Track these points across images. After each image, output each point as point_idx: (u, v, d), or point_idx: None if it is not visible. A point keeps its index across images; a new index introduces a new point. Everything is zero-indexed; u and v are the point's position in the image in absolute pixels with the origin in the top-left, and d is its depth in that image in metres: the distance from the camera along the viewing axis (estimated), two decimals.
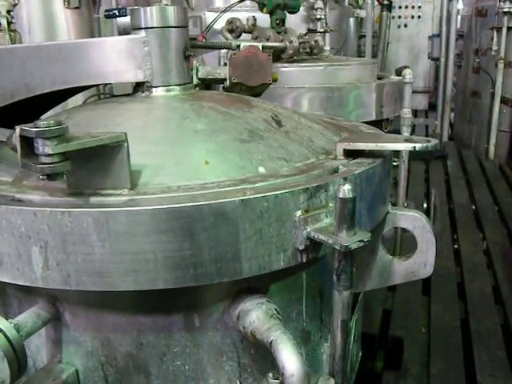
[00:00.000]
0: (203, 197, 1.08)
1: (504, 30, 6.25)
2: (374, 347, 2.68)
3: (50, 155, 0.98)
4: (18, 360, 1.06)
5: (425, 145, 1.33)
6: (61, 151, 0.99)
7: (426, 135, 8.13)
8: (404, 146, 1.35)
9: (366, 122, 2.01)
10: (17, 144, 1.00)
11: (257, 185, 1.16)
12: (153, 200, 1.08)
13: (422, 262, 1.50)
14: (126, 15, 1.79)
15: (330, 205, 1.17)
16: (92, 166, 1.11)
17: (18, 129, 1.00)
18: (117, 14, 1.86)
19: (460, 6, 7.79)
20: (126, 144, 1.08)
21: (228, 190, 1.13)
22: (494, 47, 6.35)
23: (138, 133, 1.13)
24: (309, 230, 1.13)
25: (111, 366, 1.24)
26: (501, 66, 6.35)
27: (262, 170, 1.25)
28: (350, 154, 1.38)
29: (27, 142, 1.00)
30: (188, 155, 1.24)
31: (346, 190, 1.06)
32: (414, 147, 1.33)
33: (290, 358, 1.06)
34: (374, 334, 2.77)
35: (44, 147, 0.98)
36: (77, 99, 1.85)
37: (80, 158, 1.05)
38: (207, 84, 1.85)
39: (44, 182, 1.11)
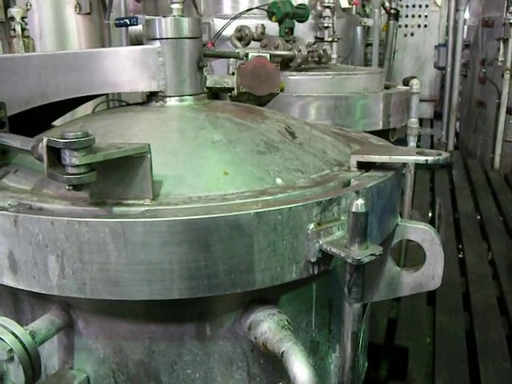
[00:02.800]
0: (218, 209, 1.10)
1: (510, 41, 6.27)
2: (379, 357, 2.68)
3: (76, 166, 1.00)
4: (33, 366, 1.07)
5: (437, 158, 1.35)
6: (88, 162, 1.01)
7: (432, 144, 8.14)
8: (416, 159, 1.36)
9: (373, 132, 2.02)
10: (43, 154, 1.02)
11: (277, 196, 1.18)
12: (169, 211, 1.09)
13: (431, 274, 1.51)
14: (137, 24, 1.81)
15: (342, 218, 1.18)
16: (115, 176, 1.13)
17: (45, 139, 1.01)
18: (128, 22, 1.88)
19: (467, 15, 7.80)
20: (149, 155, 1.09)
21: (248, 202, 1.14)
22: (501, 58, 6.37)
23: (156, 143, 1.15)
24: (321, 242, 1.14)
25: (122, 374, 1.26)
26: (507, 76, 6.37)
27: (279, 181, 1.26)
28: (363, 165, 1.40)
29: (53, 153, 1.02)
30: (207, 166, 1.26)
31: (358, 204, 1.07)
32: (427, 160, 1.34)
33: (301, 369, 1.08)
34: (379, 343, 2.77)
35: (71, 158, 0.99)
36: (85, 105, 1.87)
37: (103, 168, 1.07)
38: (214, 92, 1.86)
39: (64, 191, 1.13)
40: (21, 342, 1.05)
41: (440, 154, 1.37)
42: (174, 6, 1.66)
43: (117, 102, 4.16)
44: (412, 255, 3.35)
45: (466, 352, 2.72)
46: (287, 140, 1.42)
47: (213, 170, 1.25)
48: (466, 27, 7.85)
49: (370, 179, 1.31)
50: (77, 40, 4.12)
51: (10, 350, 1.03)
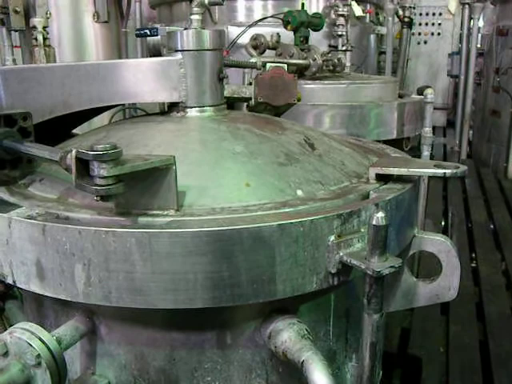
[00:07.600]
0: (241, 220, 1.12)
1: None
2: (392, 366, 2.68)
3: (105, 177, 1.03)
4: (59, 372, 1.10)
5: (454, 171, 1.36)
6: (116, 174, 1.03)
7: (444, 153, 8.12)
8: (434, 172, 1.38)
9: (387, 141, 2.04)
10: (72, 165, 1.04)
11: (298, 208, 1.20)
12: (194, 222, 1.12)
13: (447, 285, 1.53)
14: (157, 35, 1.84)
15: (362, 230, 1.20)
16: (140, 187, 1.16)
17: (73, 151, 1.04)
18: (148, 33, 1.91)
19: (481, 24, 7.79)
20: (174, 167, 1.12)
21: (270, 213, 1.16)
22: None
23: (179, 154, 1.17)
24: (341, 254, 1.16)
25: (143, 380, 1.28)
26: None
27: (300, 193, 1.28)
28: (381, 177, 1.42)
29: (82, 164, 1.05)
30: (229, 177, 1.28)
31: (379, 217, 1.09)
32: (445, 173, 1.36)
33: (321, 378, 1.09)
34: (392, 352, 2.77)
35: (100, 170, 1.02)
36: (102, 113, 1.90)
37: (129, 179, 1.09)
38: (231, 102, 1.89)
39: (90, 201, 1.16)
40: (48, 347, 1.08)
41: (458, 167, 1.38)
42: (193, 17, 1.69)
43: (133, 111, 4.20)
44: (425, 264, 3.36)
45: (479, 362, 2.71)
46: (307, 152, 1.45)
47: (235, 181, 1.27)
48: (479, 35, 7.83)
49: (388, 192, 1.33)
50: (94, 48, 4.18)
51: (38, 356, 1.06)
